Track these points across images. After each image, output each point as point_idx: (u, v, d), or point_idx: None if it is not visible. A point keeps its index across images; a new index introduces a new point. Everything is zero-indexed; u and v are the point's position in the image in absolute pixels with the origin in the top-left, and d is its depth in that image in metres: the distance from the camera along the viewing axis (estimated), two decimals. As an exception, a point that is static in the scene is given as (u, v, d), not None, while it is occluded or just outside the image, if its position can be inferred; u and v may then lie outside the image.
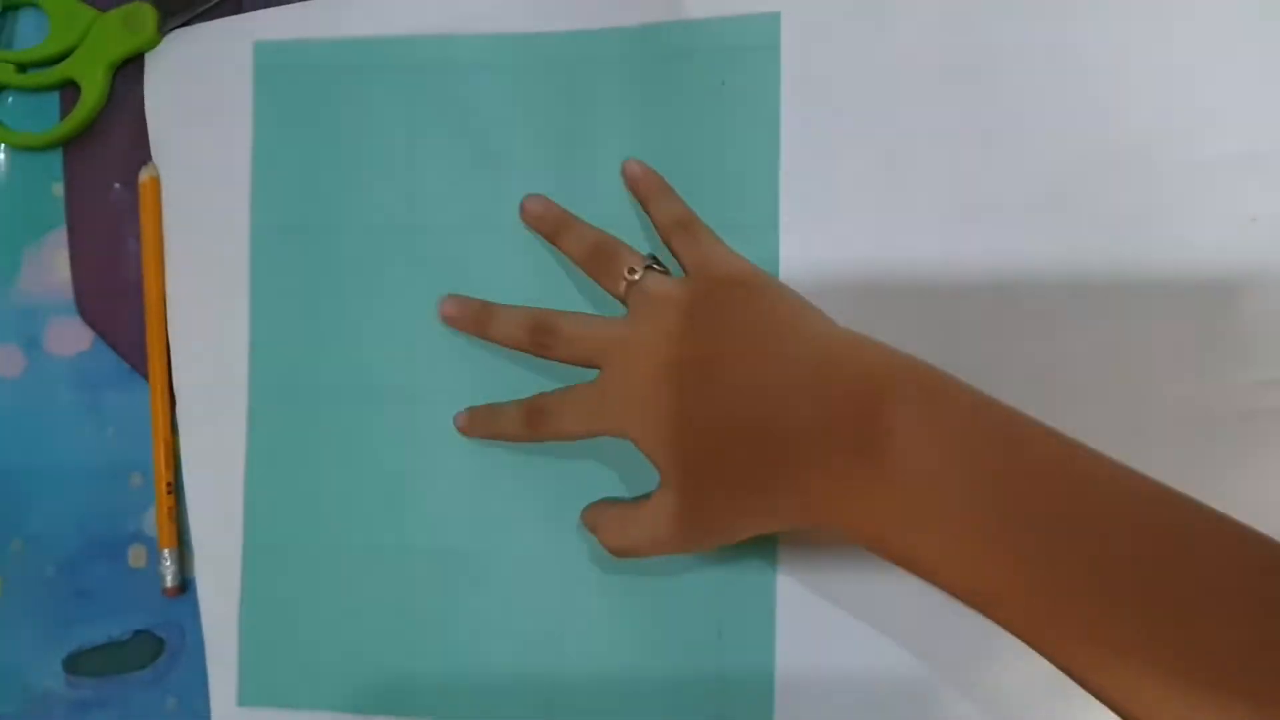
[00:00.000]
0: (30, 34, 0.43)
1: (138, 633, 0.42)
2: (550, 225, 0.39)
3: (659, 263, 0.37)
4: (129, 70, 0.43)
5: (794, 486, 0.31)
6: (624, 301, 0.37)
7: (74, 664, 0.42)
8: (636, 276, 0.36)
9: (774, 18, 0.38)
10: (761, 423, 0.32)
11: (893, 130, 0.38)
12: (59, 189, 0.43)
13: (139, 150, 0.43)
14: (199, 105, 0.42)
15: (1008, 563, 0.27)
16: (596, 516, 0.37)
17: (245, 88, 0.42)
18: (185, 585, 0.41)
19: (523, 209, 0.39)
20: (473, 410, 0.39)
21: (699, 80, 0.38)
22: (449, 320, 0.39)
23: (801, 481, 0.31)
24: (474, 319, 0.38)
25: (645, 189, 0.38)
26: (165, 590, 0.41)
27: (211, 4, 0.42)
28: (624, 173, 0.38)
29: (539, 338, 0.37)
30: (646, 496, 0.36)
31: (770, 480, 0.31)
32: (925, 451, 0.29)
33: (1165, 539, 0.27)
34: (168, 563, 0.41)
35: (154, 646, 0.42)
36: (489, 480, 0.40)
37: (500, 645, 0.39)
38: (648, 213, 0.38)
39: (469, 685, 0.39)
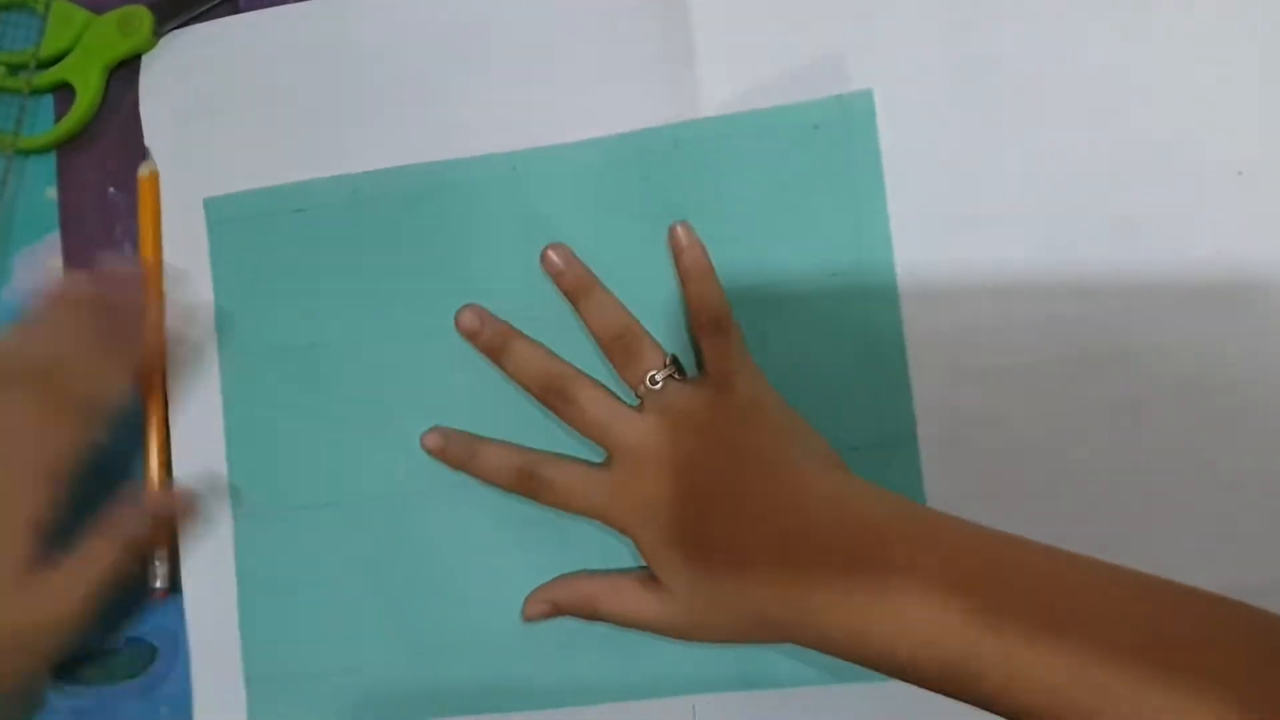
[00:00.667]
0: (23, 36, 0.43)
1: (130, 640, 0.41)
2: (571, 284, 0.38)
3: (680, 368, 0.37)
4: (124, 73, 0.43)
5: (805, 619, 0.32)
6: (638, 395, 0.37)
7: (66, 672, 0.41)
8: (658, 387, 0.36)
9: (868, 94, 0.39)
10: (777, 554, 0.33)
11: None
12: (53, 193, 0.43)
13: (134, 153, 0.42)
14: (195, 107, 0.42)
15: (997, 648, 0.28)
16: (595, 589, 0.37)
17: (245, 84, 0.42)
18: (175, 587, 0.41)
19: (544, 257, 0.38)
20: (448, 435, 0.38)
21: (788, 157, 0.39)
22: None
23: (813, 614, 0.31)
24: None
25: (689, 262, 0.37)
26: (153, 592, 0.40)
27: (208, 6, 0.42)
28: (670, 234, 0.38)
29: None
30: (644, 576, 0.36)
31: (779, 608, 0.32)
32: (933, 586, 0.30)
33: (1146, 627, 0.28)
34: (157, 564, 0.41)
35: (147, 654, 0.41)
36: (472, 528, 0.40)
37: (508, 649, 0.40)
38: (684, 290, 0.38)
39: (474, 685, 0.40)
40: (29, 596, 0.34)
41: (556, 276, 0.38)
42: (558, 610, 0.38)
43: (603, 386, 0.38)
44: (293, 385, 0.41)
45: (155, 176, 0.41)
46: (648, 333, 0.38)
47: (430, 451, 0.38)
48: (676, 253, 0.38)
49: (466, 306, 0.39)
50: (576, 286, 0.38)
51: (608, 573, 0.38)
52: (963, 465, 0.37)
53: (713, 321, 0.36)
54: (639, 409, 0.37)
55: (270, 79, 0.42)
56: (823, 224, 0.39)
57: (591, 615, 0.37)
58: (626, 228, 0.40)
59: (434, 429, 0.39)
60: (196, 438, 0.42)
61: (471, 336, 0.38)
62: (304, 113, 0.42)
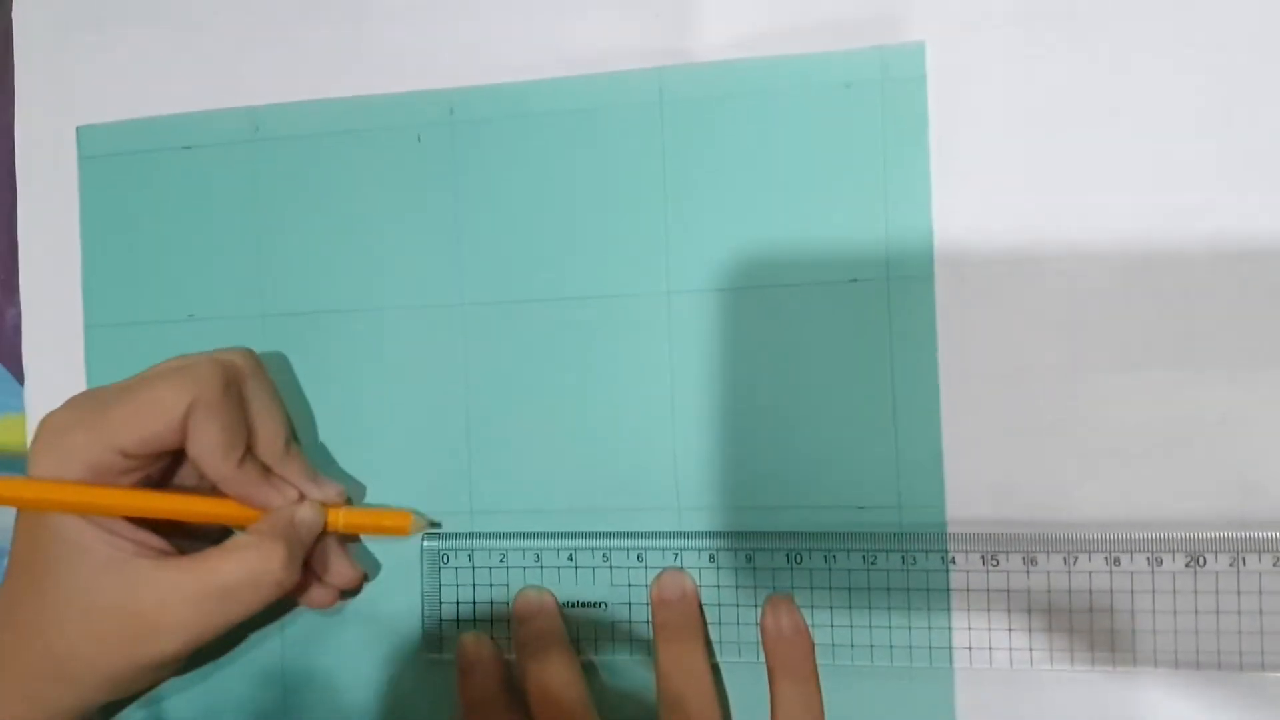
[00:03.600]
0: None
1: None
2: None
3: None
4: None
5: None
6: None
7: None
8: None
9: (918, 49, 0.29)
10: None
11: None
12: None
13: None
14: (75, 18, 0.35)
15: None
16: None
17: None
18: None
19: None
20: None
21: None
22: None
23: None
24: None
25: (786, 656, 0.29)
26: None
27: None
28: (766, 614, 0.29)
29: None
30: None
31: None
32: None
33: None
34: None
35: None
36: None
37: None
38: (771, 682, 0.29)
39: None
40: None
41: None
42: None
43: None
44: None
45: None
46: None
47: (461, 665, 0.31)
48: (778, 638, 0.29)
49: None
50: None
51: None
52: (986, 487, 0.29)
53: None
54: None
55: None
56: (846, 209, 0.29)
57: None
58: (588, 195, 0.31)
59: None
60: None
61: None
62: (201, 30, 0.34)
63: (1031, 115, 0.29)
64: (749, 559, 0.29)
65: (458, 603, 0.31)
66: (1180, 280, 0.28)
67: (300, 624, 0.33)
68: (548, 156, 0.31)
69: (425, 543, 0.31)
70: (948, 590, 0.28)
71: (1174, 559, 0.28)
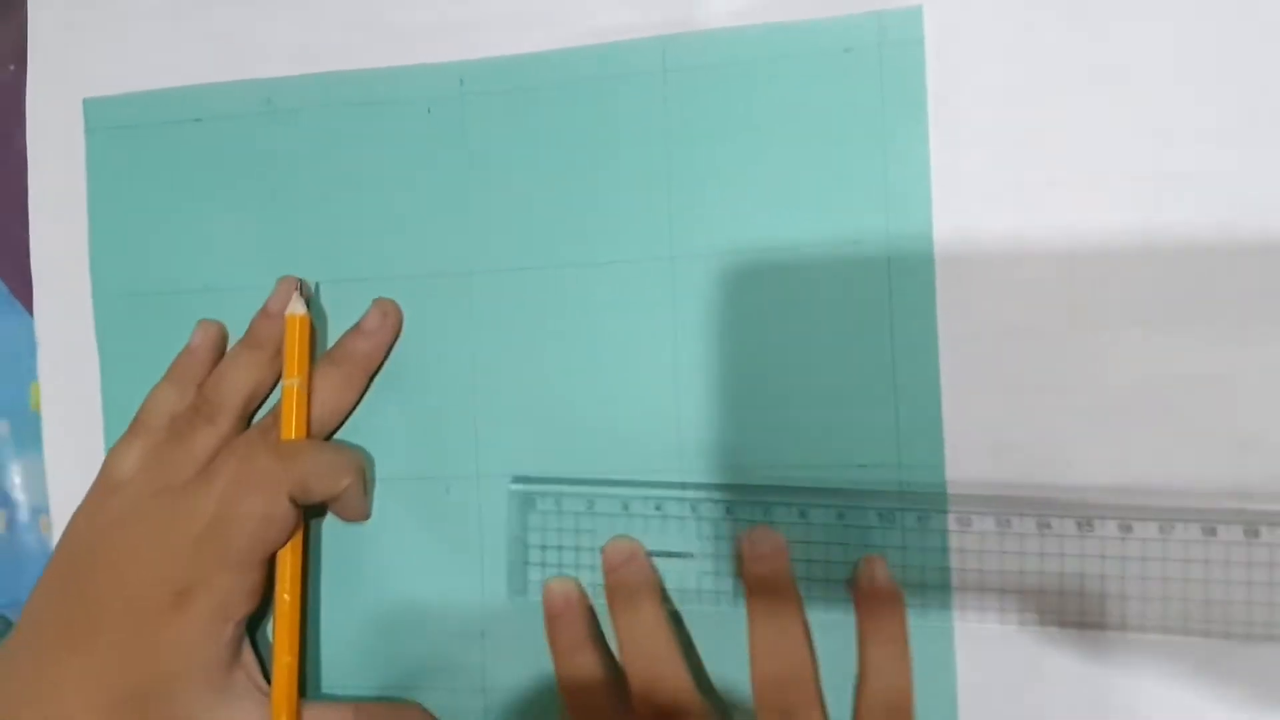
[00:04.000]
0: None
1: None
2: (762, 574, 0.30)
3: None
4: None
5: None
6: None
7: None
8: None
9: (915, 13, 0.30)
10: None
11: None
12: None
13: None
14: None
15: None
16: None
17: None
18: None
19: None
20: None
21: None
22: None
23: None
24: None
25: (883, 616, 0.29)
26: None
27: None
28: (860, 573, 0.29)
29: None
30: None
31: None
32: None
33: None
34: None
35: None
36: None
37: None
38: (862, 640, 0.29)
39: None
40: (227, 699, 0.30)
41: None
42: None
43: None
44: (183, 339, 0.33)
45: (306, 320, 0.32)
46: (819, 687, 0.29)
47: (548, 610, 0.31)
48: (866, 594, 0.29)
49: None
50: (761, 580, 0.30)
51: None
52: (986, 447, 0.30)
53: (890, 709, 0.28)
54: None
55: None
56: (845, 177, 0.30)
57: None
58: (594, 164, 0.32)
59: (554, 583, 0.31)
60: (68, 400, 0.35)
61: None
62: (211, 2, 0.34)
63: (1030, 77, 0.29)
64: (840, 515, 0.30)
65: (544, 546, 0.31)
66: (1179, 242, 0.29)
67: (384, 555, 0.33)
68: (555, 127, 0.32)
69: (513, 486, 0.31)
70: (945, 549, 0.29)
71: (1187, 528, 0.28)
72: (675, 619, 0.31)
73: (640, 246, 0.31)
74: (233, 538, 0.29)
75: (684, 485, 0.31)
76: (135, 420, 0.32)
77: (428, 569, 0.32)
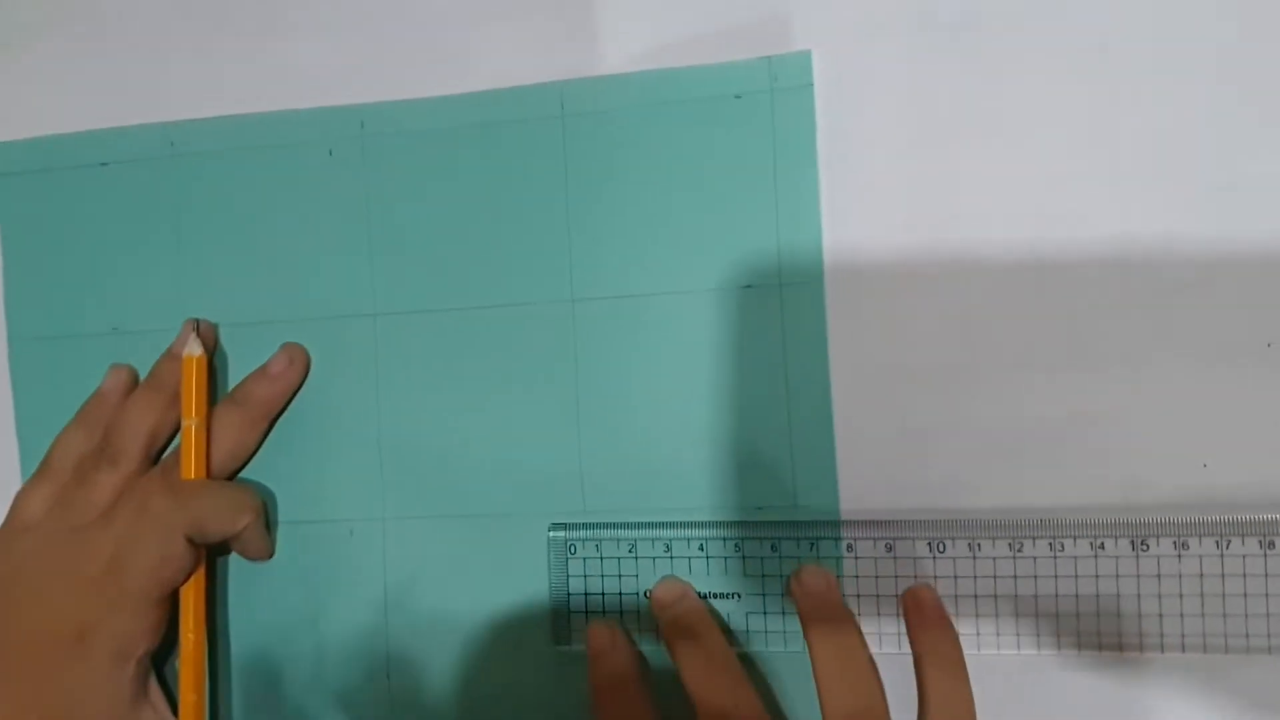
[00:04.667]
0: None
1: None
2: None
3: None
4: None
5: None
6: None
7: None
8: None
9: (804, 57, 0.30)
10: None
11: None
12: None
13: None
14: None
15: None
16: None
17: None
18: None
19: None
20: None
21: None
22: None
23: None
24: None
25: (941, 645, 0.28)
26: None
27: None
28: (908, 603, 0.29)
29: None
30: None
31: None
32: None
33: None
34: None
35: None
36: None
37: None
38: (920, 676, 0.28)
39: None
40: None
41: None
42: None
43: None
44: (93, 381, 0.34)
45: (204, 361, 0.32)
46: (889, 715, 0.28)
47: (592, 652, 0.30)
48: (924, 628, 0.29)
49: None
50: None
51: None
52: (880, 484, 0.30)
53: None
54: None
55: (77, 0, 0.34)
56: (739, 218, 0.30)
57: None
58: (495, 205, 0.32)
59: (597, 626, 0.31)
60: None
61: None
62: (113, 46, 0.35)
63: (918, 122, 0.30)
64: (889, 548, 0.29)
65: (586, 594, 0.31)
66: (1064, 283, 0.29)
67: (289, 596, 0.33)
68: (456, 169, 0.32)
69: (551, 533, 0.31)
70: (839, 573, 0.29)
71: (1077, 544, 0.29)
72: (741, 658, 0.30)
73: (541, 288, 0.32)
74: (129, 577, 0.30)
75: (726, 524, 0.30)
76: (43, 462, 0.33)
77: (332, 611, 0.33)
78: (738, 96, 0.30)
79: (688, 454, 0.31)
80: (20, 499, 0.32)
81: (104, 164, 0.34)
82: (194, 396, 0.31)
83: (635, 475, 0.31)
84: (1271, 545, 0.28)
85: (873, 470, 0.30)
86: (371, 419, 0.32)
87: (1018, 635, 0.29)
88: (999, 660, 0.29)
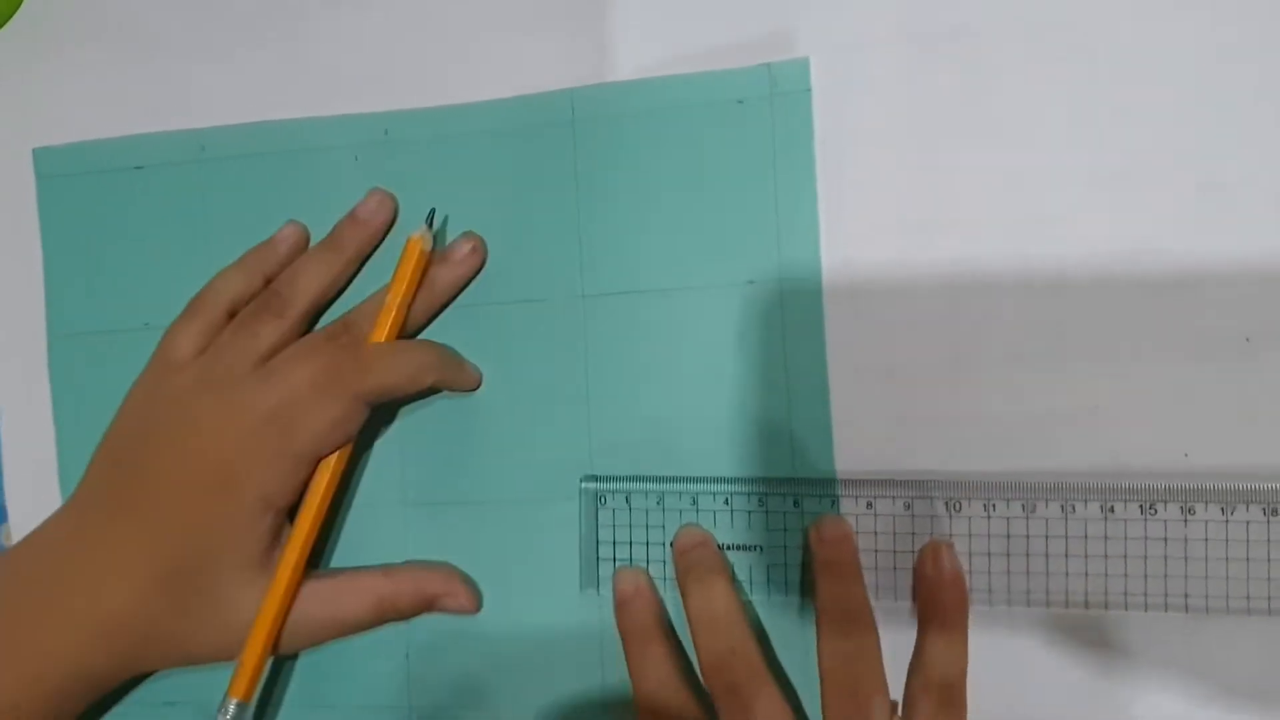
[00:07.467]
0: None
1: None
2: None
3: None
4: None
5: None
6: None
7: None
8: None
9: (802, 64, 0.32)
10: None
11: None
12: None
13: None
14: (30, 40, 0.37)
15: None
16: None
17: (87, 15, 0.37)
18: None
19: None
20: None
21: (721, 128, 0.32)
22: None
23: None
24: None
25: (949, 604, 0.29)
26: None
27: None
28: (929, 558, 0.30)
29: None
30: None
31: None
32: None
33: None
34: None
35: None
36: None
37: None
38: (922, 623, 0.29)
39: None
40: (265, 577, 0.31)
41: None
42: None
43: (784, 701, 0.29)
44: (129, 374, 0.35)
45: (427, 254, 0.33)
46: (882, 665, 0.29)
47: (618, 597, 0.32)
48: (931, 580, 0.30)
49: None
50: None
51: None
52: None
53: (952, 699, 0.28)
54: None
55: (116, 10, 0.37)
56: (739, 220, 0.32)
57: None
58: (511, 206, 0.34)
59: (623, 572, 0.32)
60: (24, 429, 0.37)
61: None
62: (149, 52, 0.37)
63: (912, 126, 0.31)
64: (907, 506, 0.31)
65: (614, 543, 0.32)
66: (1053, 282, 0.30)
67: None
68: (474, 172, 0.34)
69: (584, 484, 0.33)
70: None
71: (1049, 506, 0.30)
72: (748, 607, 0.31)
73: (553, 284, 0.33)
74: (295, 435, 0.30)
75: (751, 480, 0.32)
76: (197, 299, 0.33)
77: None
78: (739, 102, 0.32)
79: (694, 428, 0.32)
80: (170, 336, 0.33)
81: (139, 167, 0.36)
82: (408, 276, 0.32)
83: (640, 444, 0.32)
84: (1274, 512, 0.29)
85: (867, 461, 0.31)
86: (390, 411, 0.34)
87: (1028, 591, 0.30)
88: (1010, 615, 0.30)
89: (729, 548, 0.32)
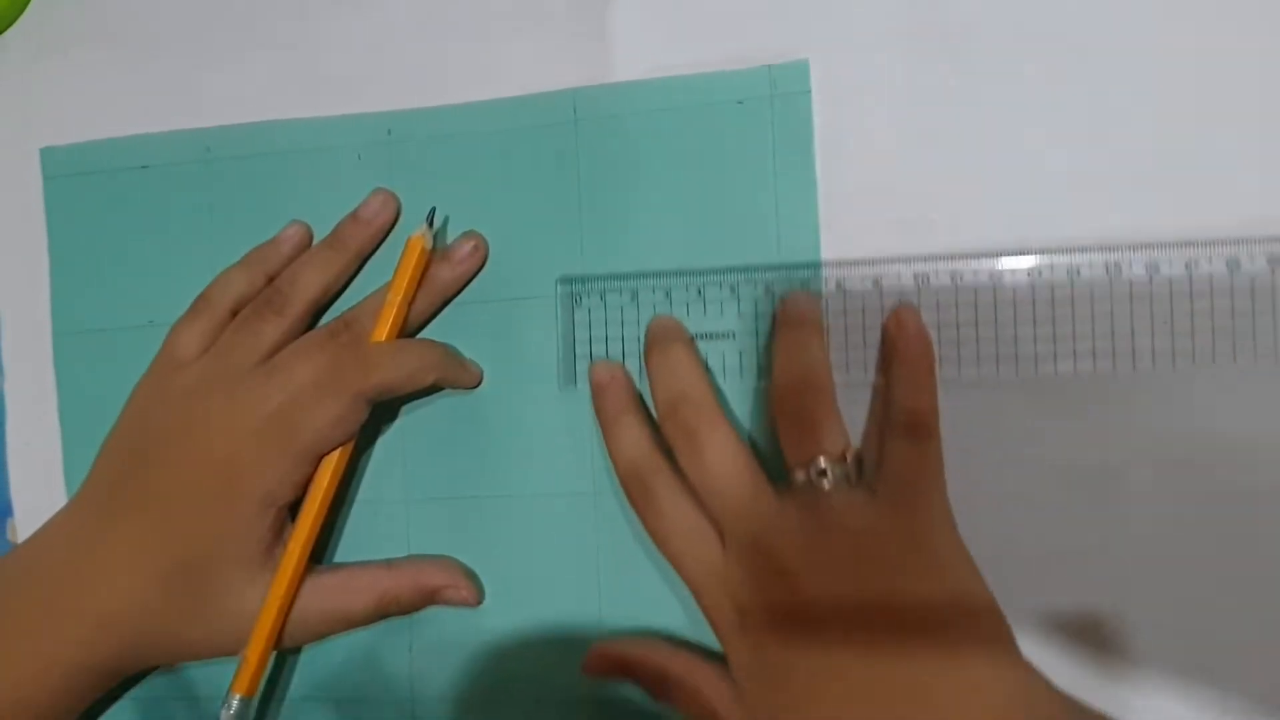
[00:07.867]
0: None
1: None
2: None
3: (860, 465, 0.29)
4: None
5: None
6: (792, 477, 0.29)
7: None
8: (826, 482, 0.28)
9: (802, 66, 0.32)
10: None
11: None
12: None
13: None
14: (39, 39, 0.38)
15: None
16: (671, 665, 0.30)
17: (94, 16, 0.37)
18: None
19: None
20: (616, 374, 0.32)
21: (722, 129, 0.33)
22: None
23: None
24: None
25: (913, 352, 0.29)
26: None
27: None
28: (892, 318, 0.30)
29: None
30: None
31: None
32: None
33: None
34: None
35: None
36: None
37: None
38: (893, 378, 0.30)
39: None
40: (267, 573, 0.31)
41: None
42: (624, 674, 0.30)
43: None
44: (134, 372, 0.36)
45: (427, 253, 0.33)
46: (835, 400, 0.30)
47: (594, 384, 0.32)
48: (896, 337, 0.30)
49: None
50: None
51: (688, 654, 0.30)
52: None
53: (920, 425, 0.29)
54: (780, 497, 0.29)
55: (121, 11, 0.37)
56: (739, 219, 0.32)
57: (657, 695, 0.29)
58: (513, 205, 0.34)
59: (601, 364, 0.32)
60: (29, 425, 0.37)
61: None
62: (154, 53, 0.37)
63: (910, 126, 0.31)
64: (875, 282, 0.31)
65: (590, 340, 0.33)
66: (1052, 278, 0.30)
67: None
68: (476, 172, 0.34)
69: (560, 287, 0.33)
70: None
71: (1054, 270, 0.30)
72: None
73: (554, 285, 0.33)
74: (298, 433, 0.30)
75: (724, 270, 0.32)
76: (201, 298, 0.34)
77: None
78: (740, 102, 0.32)
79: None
80: (175, 334, 0.33)
81: (144, 167, 0.36)
82: (409, 275, 0.32)
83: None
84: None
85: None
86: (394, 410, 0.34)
87: (997, 362, 0.30)
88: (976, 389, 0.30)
89: (703, 337, 0.32)
